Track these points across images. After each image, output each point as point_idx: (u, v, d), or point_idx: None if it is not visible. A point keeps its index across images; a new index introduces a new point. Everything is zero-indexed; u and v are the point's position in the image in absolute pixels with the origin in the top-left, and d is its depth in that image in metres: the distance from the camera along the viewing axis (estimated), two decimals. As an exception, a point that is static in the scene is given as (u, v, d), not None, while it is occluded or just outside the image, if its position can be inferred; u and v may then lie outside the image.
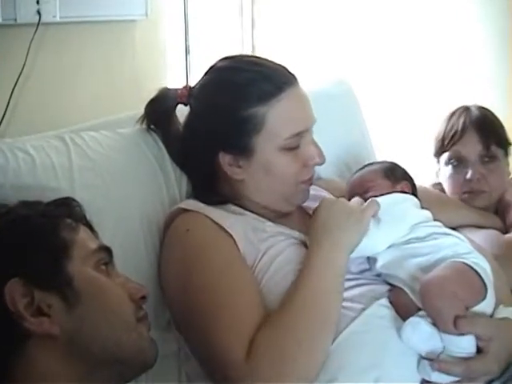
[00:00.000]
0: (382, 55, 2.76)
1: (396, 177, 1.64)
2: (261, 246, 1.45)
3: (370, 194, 1.58)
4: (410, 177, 1.67)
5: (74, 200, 1.31)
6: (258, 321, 1.32)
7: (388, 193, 1.57)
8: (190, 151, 1.60)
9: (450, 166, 1.97)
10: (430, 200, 1.74)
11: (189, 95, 1.60)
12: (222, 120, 1.50)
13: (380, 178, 1.63)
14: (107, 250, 1.25)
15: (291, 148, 1.50)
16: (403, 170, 1.68)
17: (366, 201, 1.54)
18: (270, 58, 1.58)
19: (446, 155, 1.98)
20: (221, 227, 1.46)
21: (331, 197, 1.69)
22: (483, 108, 2.02)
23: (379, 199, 1.52)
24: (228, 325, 1.32)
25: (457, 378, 1.28)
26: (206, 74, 1.60)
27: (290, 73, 1.54)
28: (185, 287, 1.41)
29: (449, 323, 1.27)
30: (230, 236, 1.45)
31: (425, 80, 2.72)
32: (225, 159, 1.51)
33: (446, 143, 1.97)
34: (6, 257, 1.12)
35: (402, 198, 1.56)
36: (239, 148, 1.50)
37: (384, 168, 1.66)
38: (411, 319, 1.29)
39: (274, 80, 1.50)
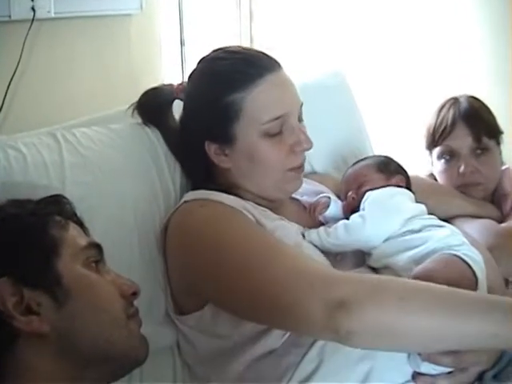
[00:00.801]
0: (380, 48, 2.76)
1: (390, 171, 1.64)
2: (268, 224, 1.45)
3: (365, 188, 1.59)
4: (404, 170, 1.67)
5: (64, 197, 1.31)
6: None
7: (382, 187, 1.58)
8: (184, 145, 1.61)
9: (442, 161, 1.97)
10: (426, 191, 1.75)
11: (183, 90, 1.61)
12: (203, 109, 1.51)
13: (374, 173, 1.64)
14: (97, 247, 1.25)
15: (273, 134, 1.48)
16: (397, 163, 1.68)
17: (360, 195, 1.56)
18: (268, 50, 1.57)
19: (437, 150, 1.98)
20: (229, 206, 1.46)
21: (328, 190, 1.70)
22: (472, 98, 2.01)
23: (374, 193, 1.53)
24: (295, 255, 1.32)
25: (447, 369, 1.28)
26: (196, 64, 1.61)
27: (272, 59, 1.52)
28: (224, 248, 1.36)
29: None
30: (240, 212, 1.45)
31: (421, 71, 2.72)
32: (211, 148, 1.52)
33: (436, 138, 1.97)
34: None
35: (396, 191, 1.57)
36: (222, 136, 1.50)
37: (378, 162, 1.67)
38: None
39: (252, 66, 1.49)
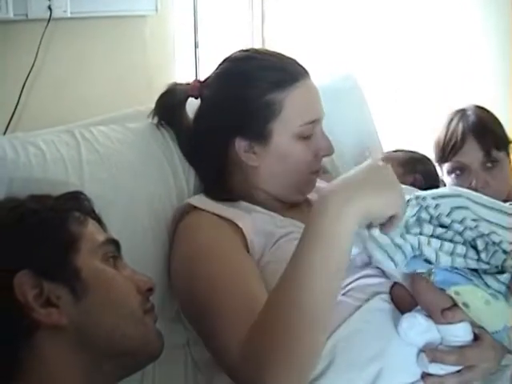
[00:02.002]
0: (389, 50, 2.77)
1: (412, 168, 1.66)
2: (268, 239, 1.47)
3: None
4: (431, 176, 1.71)
5: (82, 194, 1.33)
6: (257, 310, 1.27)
7: None
8: (201, 143, 1.62)
9: (453, 176, 1.96)
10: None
11: (200, 88, 1.63)
12: (240, 106, 1.54)
13: (395, 164, 1.66)
14: (115, 243, 1.27)
15: (305, 137, 1.53)
16: (428, 167, 1.73)
17: None
18: (279, 52, 1.60)
19: (447, 165, 1.97)
20: (228, 221, 1.49)
21: None
22: (479, 109, 2.00)
23: None
24: (230, 318, 1.30)
25: (454, 369, 1.28)
26: (220, 64, 1.62)
27: (302, 67, 1.58)
28: (190, 280, 1.43)
29: (439, 315, 1.27)
30: (238, 227, 1.47)
31: (430, 74, 2.73)
32: (240, 145, 1.55)
33: (446, 153, 1.96)
34: (16, 249, 1.13)
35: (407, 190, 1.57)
36: (257, 134, 1.53)
37: (406, 156, 1.70)
38: (407, 314, 1.29)
39: (288, 70, 1.55)
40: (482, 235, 1.28)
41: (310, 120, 1.53)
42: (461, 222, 1.28)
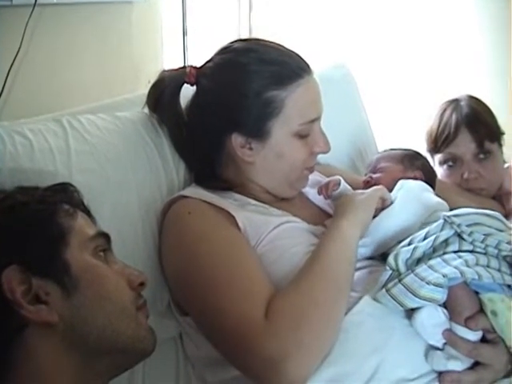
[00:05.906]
0: (380, 39, 2.76)
1: (411, 164, 1.68)
2: (264, 227, 1.45)
3: (377, 175, 1.65)
4: (429, 170, 1.72)
5: (71, 185, 1.29)
6: (270, 289, 1.32)
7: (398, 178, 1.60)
8: (194, 134, 1.58)
9: (445, 167, 1.96)
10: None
11: (197, 75, 1.57)
12: (239, 102, 1.49)
13: (393, 162, 1.68)
14: (105, 236, 1.23)
15: (303, 135, 1.51)
16: (424, 161, 1.73)
17: (375, 179, 1.63)
18: (281, 44, 1.56)
19: (440, 156, 1.97)
20: (221, 209, 1.46)
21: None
22: (473, 99, 1.99)
23: (407, 182, 1.55)
24: (242, 293, 1.31)
25: (470, 364, 1.29)
26: (218, 53, 1.57)
27: (305, 61, 1.53)
28: (190, 267, 1.40)
29: (461, 318, 1.30)
30: (231, 216, 1.45)
31: (423, 65, 2.72)
32: (237, 141, 1.51)
33: (438, 144, 1.95)
34: (4, 244, 1.10)
35: (426, 187, 1.59)
36: (255, 130, 1.49)
37: (402, 154, 1.71)
38: (429, 305, 1.30)
39: (290, 66, 1.50)
40: None
41: (310, 119, 1.50)
42: (495, 247, 1.32)
